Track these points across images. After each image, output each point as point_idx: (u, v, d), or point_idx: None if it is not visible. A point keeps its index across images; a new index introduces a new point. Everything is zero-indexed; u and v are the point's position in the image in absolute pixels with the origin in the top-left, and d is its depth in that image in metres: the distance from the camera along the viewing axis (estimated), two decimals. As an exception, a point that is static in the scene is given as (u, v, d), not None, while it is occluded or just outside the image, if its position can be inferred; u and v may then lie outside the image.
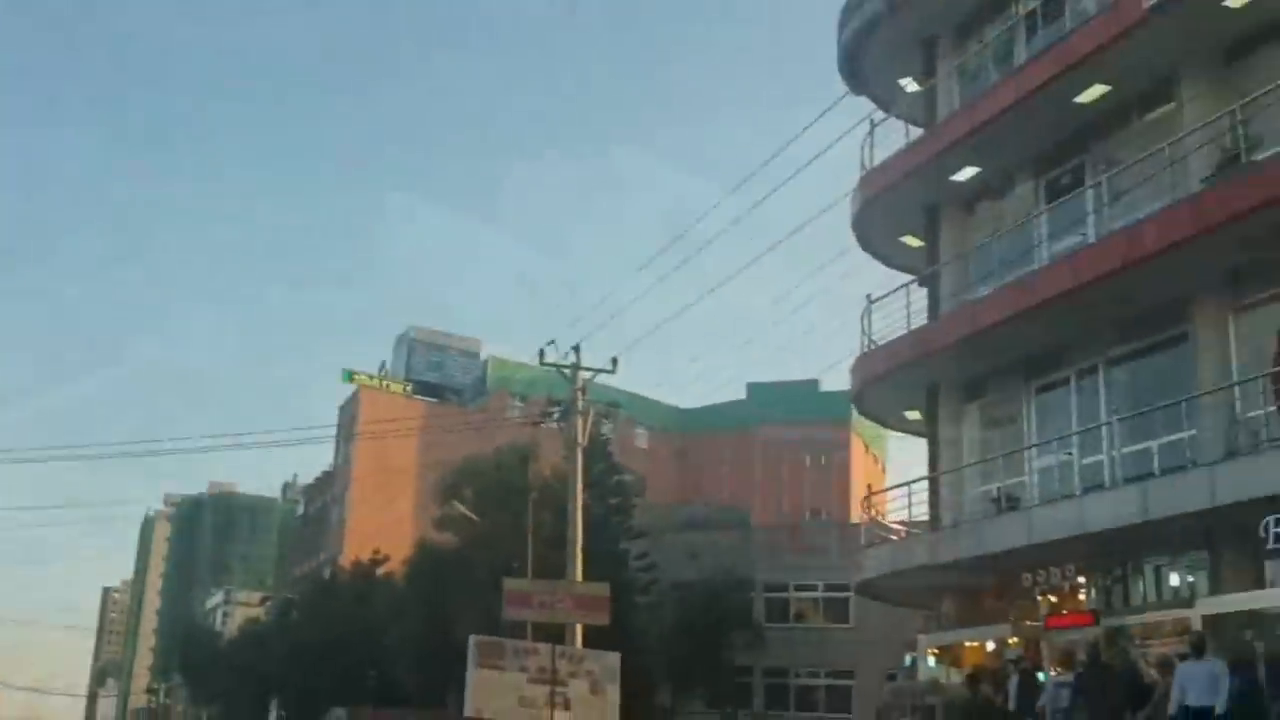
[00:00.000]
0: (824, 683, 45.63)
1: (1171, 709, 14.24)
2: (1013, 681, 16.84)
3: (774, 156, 44.58)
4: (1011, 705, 16.54)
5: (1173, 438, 18.09)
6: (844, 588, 45.86)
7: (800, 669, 44.61)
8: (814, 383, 67.73)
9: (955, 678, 20.86)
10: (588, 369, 26.05)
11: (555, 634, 24.10)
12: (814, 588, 46.26)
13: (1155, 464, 18.18)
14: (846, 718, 43.86)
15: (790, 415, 69.90)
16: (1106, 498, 17.95)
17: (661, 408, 71.69)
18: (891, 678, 43.11)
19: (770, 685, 44.30)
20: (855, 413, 69.70)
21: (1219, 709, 13.77)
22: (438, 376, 76.82)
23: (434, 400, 73.11)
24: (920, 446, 24.30)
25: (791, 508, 65.81)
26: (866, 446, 74.65)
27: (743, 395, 72.24)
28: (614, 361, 26.25)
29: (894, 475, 70.72)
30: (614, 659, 22.73)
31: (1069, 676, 16.36)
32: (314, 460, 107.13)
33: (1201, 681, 14.05)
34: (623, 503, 41.56)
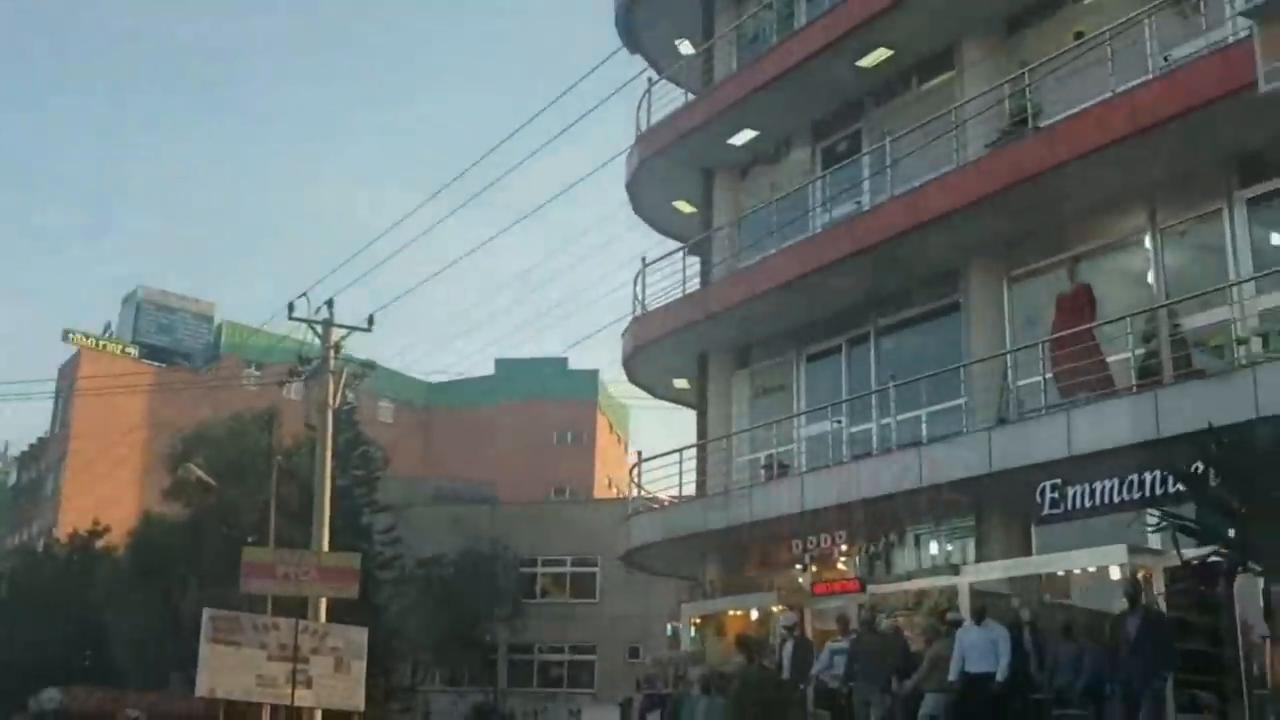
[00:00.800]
0: (568, 658, 45.36)
1: (951, 675, 14.08)
2: (787, 648, 16.49)
3: (541, 112, 43.31)
4: (786, 673, 16.17)
5: (944, 405, 18.13)
6: (591, 563, 45.86)
7: (544, 645, 44.08)
8: (562, 360, 67.39)
9: (719, 647, 20.50)
10: (341, 326, 24.39)
11: (298, 608, 22.51)
12: (562, 563, 45.87)
13: (924, 432, 18.19)
14: (588, 693, 43.69)
15: (537, 392, 69.26)
16: (879, 464, 17.86)
17: (406, 380, 69.74)
18: (635, 653, 43.39)
19: (515, 661, 43.63)
20: (601, 392, 70.79)
21: (1000, 675, 13.70)
22: (168, 340, 72.19)
23: (162, 365, 68.74)
24: (665, 426, 23.90)
25: (538, 484, 65.19)
26: (611, 426, 74.87)
27: (490, 370, 71.20)
28: (370, 320, 24.67)
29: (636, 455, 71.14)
30: (360, 635, 21.44)
31: (844, 643, 16.11)
32: (30, 429, 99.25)
33: (982, 647, 13.95)
34: (367, 475, 40.00)
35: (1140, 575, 14.26)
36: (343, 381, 24.52)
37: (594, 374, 70.52)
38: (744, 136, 22.54)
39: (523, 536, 43.21)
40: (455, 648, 39.85)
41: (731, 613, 21.19)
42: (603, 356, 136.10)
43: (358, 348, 33.57)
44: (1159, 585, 14.46)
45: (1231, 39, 14.83)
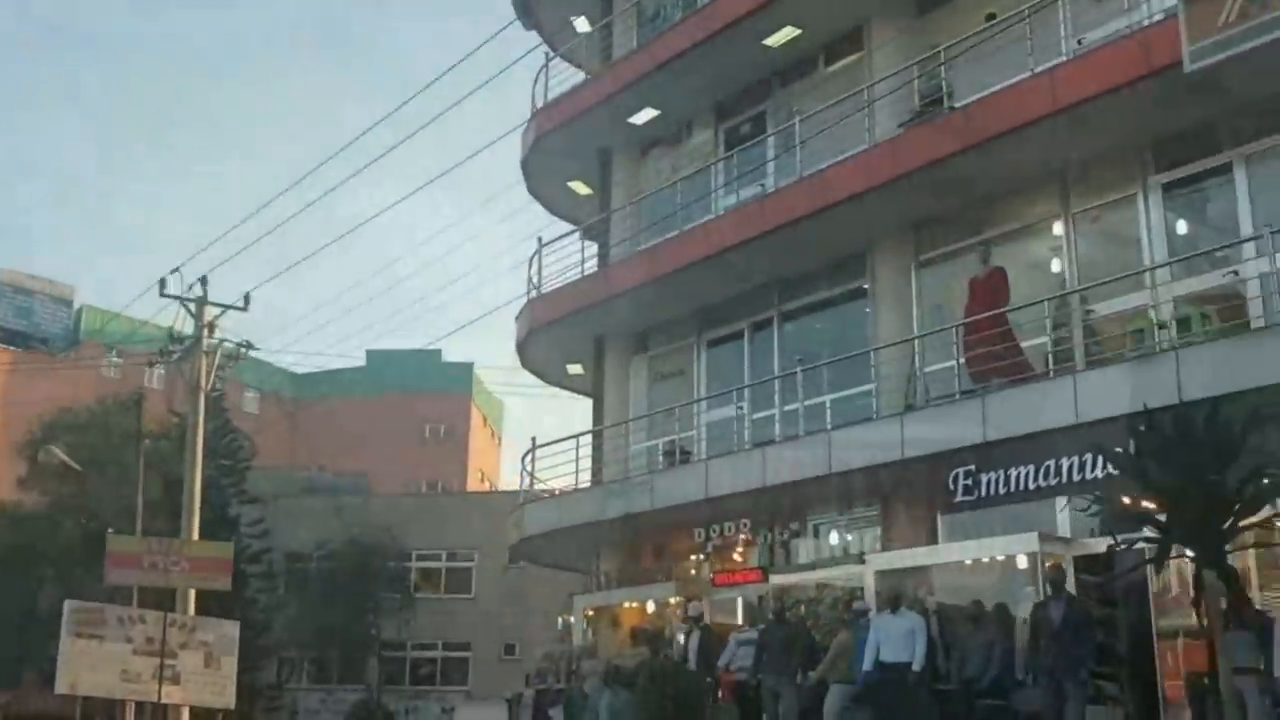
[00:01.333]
0: (441, 655, 44.43)
1: (866, 665, 13.69)
2: (693, 640, 15.93)
3: (426, 87, 42.29)
4: (691, 663, 15.62)
5: (852, 391, 17.78)
6: (467, 558, 44.95)
7: (416, 642, 42.99)
8: (436, 352, 66.14)
9: (614, 640, 19.90)
10: (216, 304, 23.15)
11: (161, 602, 21.29)
12: (437, 557, 44.89)
13: (829, 418, 17.84)
14: (462, 691, 42.86)
15: (410, 385, 67.91)
16: (787, 450, 17.39)
17: (273, 370, 67.67)
18: (511, 650, 42.61)
19: (386, 658, 42.50)
20: (475, 386, 69.71)
21: (916, 665, 13.34)
22: (25, 324, 68.74)
23: (19, 349, 65.38)
24: (539, 422, 23.30)
25: (410, 478, 63.83)
26: (485, 419, 73.85)
27: (361, 361, 69.51)
28: (246, 298, 23.47)
29: (509, 451, 70.38)
30: (232, 629, 20.39)
31: (751, 633, 15.65)
32: None
33: (897, 636, 13.59)
34: (235, 465, 38.51)
35: (1049, 565, 14.06)
36: (216, 363, 23.30)
37: (468, 367, 69.47)
38: (645, 116, 21.95)
39: (396, 531, 42.10)
40: (329, 644, 38.62)
41: (626, 605, 20.61)
42: (477, 349, 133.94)
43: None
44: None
45: (1147, 21, 14.78)
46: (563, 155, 23.29)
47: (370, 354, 69.33)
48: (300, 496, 44.67)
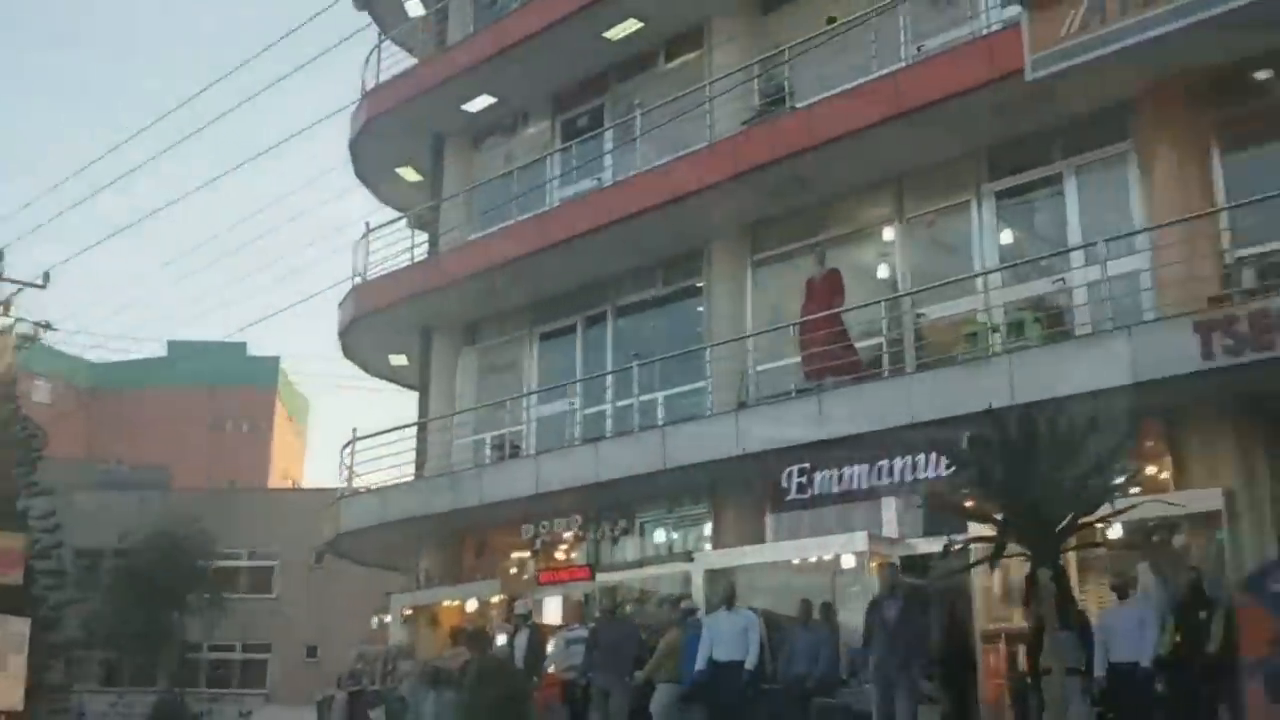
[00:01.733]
0: (239, 657, 42.92)
1: (699, 664, 13.52)
2: (521, 638, 15.50)
3: (243, 64, 40.63)
4: (519, 662, 15.19)
5: (685, 388, 17.66)
6: (268, 556, 43.49)
7: (215, 642, 41.31)
8: (240, 345, 64.04)
9: (433, 639, 19.31)
10: (11, 281, 21.70)
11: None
12: (238, 556, 43.29)
13: (662, 414, 17.69)
14: (260, 694, 41.51)
15: (213, 377, 65.50)
16: (620, 446, 17.13)
17: (67, 359, 64.27)
18: (313, 652, 41.37)
19: (184, 660, 40.74)
20: (281, 380, 67.62)
21: (749, 664, 13.24)
22: None
23: None
24: (346, 420, 22.52)
25: (212, 473, 61.49)
26: (290, 416, 71.77)
27: (163, 352, 66.69)
28: (46, 276, 22.05)
29: (319, 449, 68.57)
30: (21, 625, 19.27)
31: (581, 631, 15.33)
32: None
33: (731, 635, 13.46)
34: (26, 454, 36.21)
35: (875, 564, 14.19)
36: (12, 344, 21.83)
37: (275, 361, 67.44)
38: (480, 103, 21.41)
39: (196, 528, 40.32)
40: (125, 645, 36.76)
41: (446, 603, 20.05)
42: (292, 342, 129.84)
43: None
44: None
45: (986, 30, 15.08)
46: (393, 139, 22.59)
47: (172, 344, 66.67)
48: (96, 490, 42.48)
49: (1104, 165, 14.52)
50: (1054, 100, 13.73)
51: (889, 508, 15.09)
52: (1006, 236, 15.42)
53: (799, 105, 16.69)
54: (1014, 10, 13.55)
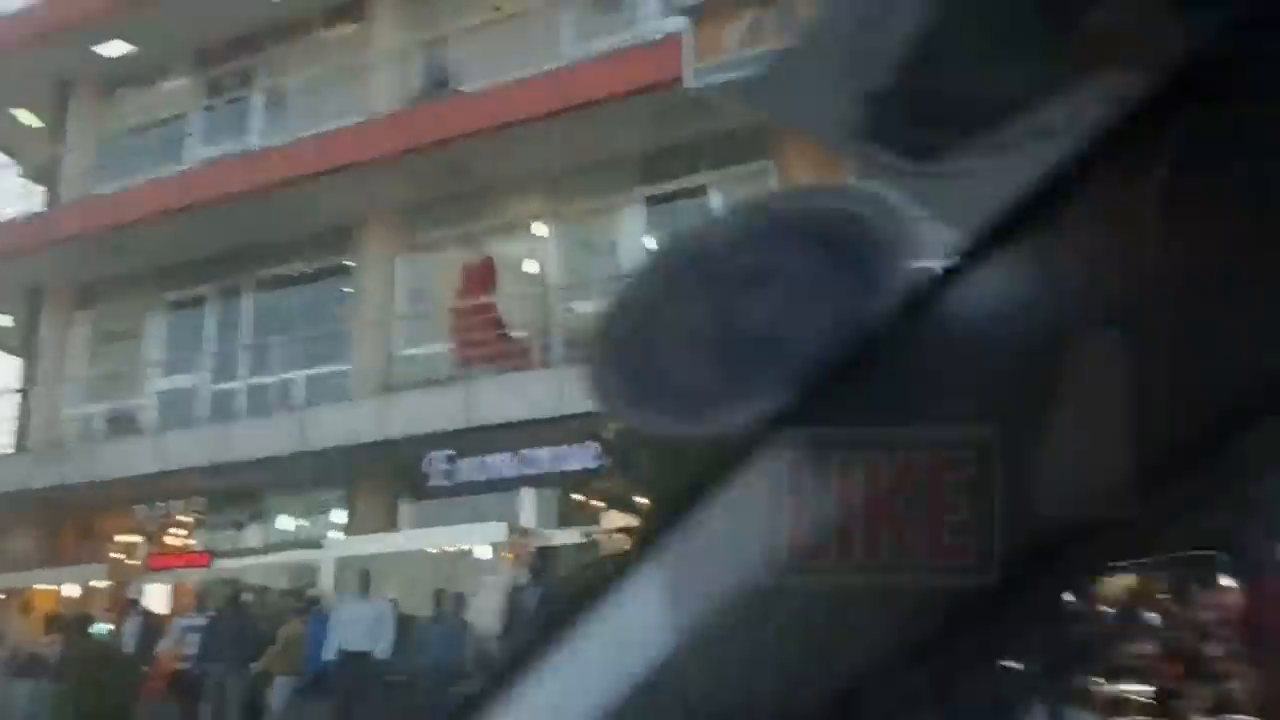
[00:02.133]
0: None
1: (328, 653, 13.04)
2: (132, 624, 14.45)
3: None
4: (131, 649, 14.18)
5: (326, 370, 17.04)
6: None
7: None
8: None
9: (24, 626, 17.72)
10: None
11: None
12: None
13: (303, 395, 17.01)
14: None
15: None
16: (250, 427, 16.32)
17: None
18: None
19: None
20: None
21: (380, 653, 12.91)
22: None
23: None
24: None
25: None
26: None
27: None
28: None
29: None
30: None
31: (199, 619, 14.46)
32: None
33: (362, 623, 13.08)
34: None
35: (512, 555, 14.22)
36: None
37: None
38: (115, 49, 19.80)
39: None
40: None
41: (42, 587, 18.46)
42: None
43: None
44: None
45: (652, 37, 15.38)
46: (12, 78, 20.51)
47: None
48: None
49: (748, 180, 15.08)
50: (709, 112, 14.17)
51: (529, 499, 15.15)
52: (652, 242, 15.81)
53: (464, 89, 16.47)
54: (678, 21, 13.90)
